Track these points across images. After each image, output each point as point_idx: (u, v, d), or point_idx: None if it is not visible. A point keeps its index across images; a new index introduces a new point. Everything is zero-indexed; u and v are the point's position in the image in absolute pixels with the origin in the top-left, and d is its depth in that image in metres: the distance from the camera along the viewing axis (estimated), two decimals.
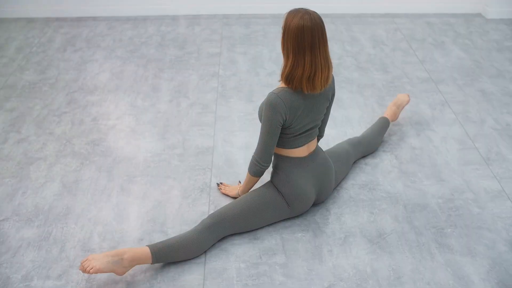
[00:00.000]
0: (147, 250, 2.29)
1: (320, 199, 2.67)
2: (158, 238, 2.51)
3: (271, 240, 2.50)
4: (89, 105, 3.59)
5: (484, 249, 2.46)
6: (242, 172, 2.92)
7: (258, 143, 2.44)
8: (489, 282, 2.30)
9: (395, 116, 3.24)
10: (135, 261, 2.26)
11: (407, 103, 3.31)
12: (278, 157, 2.55)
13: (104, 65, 4.12)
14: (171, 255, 2.33)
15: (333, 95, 2.54)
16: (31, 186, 2.85)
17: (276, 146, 2.50)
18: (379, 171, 2.95)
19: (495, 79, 3.93)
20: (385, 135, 3.25)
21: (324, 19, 5.12)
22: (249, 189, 2.62)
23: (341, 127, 3.33)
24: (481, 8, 5.08)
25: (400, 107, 3.26)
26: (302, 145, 2.51)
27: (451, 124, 3.39)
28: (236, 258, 2.41)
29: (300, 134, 2.47)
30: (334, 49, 4.38)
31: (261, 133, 2.41)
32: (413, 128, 3.34)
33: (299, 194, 2.52)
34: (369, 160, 3.03)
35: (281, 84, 2.40)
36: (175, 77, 3.94)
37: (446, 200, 2.75)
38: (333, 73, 3.99)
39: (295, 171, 2.51)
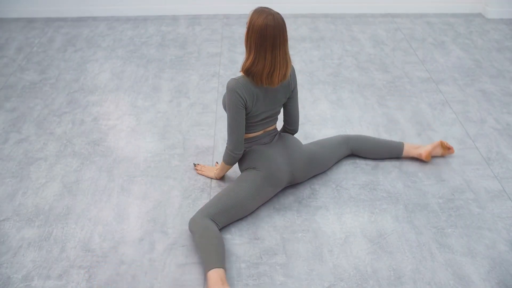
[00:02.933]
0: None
1: (298, 173, 2.74)
2: (159, 238, 2.51)
3: (272, 240, 2.50)
4: (89, 105, 3.59)
5: (485, 249, 2.46)
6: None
7: (228, 134, 2.58)
8: (489, 282, 2.30)
9: (420, 151, 2.98)
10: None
11: (443, 153, 3.04)
12: None
13: (104, 65, 4.12)
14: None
15: (295, 87, 2.68)
16: (32, 186, 2.85)
17: None
18: (380, 171, 2.95)
19: (495, 79, 3.93)
20: (385, 135, 3.25)
21: (324, 19, 5.14)
22: (224, 174, 2.84)
23: (341, 127, 3.34)
24: (481, 8, 5.08)
25: (434, 148, 3.00)
26: (259, 131, 2.67)
27: (452, 124, 3.39)
28: (237, 258, 2.41)
29: (258, 121, 2.63)
30: (334, 49, 4.38)
31: (228, 122, 2.55)
32: (414, 127, 3.34)
33: (262, 155, 2.63)
34: (369, 160, 3.03)
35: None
36: (175, 77, 3.94)
37: (447, 200, 2.75)
38: (332, 72, 4.01)
39: (254, 145, 2.68)
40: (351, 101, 3.63)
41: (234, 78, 2.50)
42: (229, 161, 2.66)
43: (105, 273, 2.33)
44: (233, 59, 4.21)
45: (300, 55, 4.28)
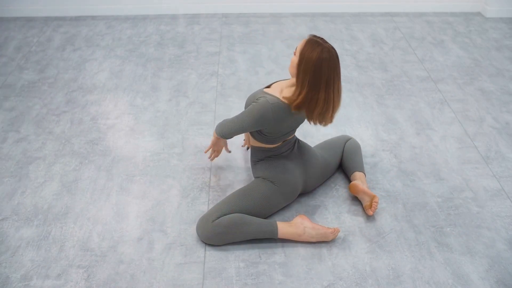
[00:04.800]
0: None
1: (310, 182, 2.70)
2: (158, 237, 2.51)
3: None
4: (88, 104, 3.59)
5: (483, 248, 2.46)
6: (241, 171, 2.92)
7: (231, 122, 2.51)
8: (488, 281, 2.30)
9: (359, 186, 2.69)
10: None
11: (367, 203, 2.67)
12: (255, 149, 2.64)
13: (103, 64, 4.12)
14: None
15: None
16: (30, 185, 2.85)
17: (256, 140, 2.60)
18: (379, 170, 2.95)
19: (494, 78, 3.93)
20: (384, 134, 3.25)
21: (323, 18, 5.15)
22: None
23: (340, 126, 3.33)
24: (480, 6, 5.08)
25: (366, 192, 2.67)
26: (278, 142, 2.59)
27: (451, 123, 3.39)
28: (236, 257, 2.41)
29: (279, 136, 2.54)
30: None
31: (239, 119, 2.48)
32: (413, 127, 3.34)
33: (282, 170, 2.56)
34: (368, 159, 3.03)
35: (283, 93, 2.44)
36: (174, 76, 3.94)
37: (446, 199, 2.75)
38: None
39: (273, 155, 2.60)
40: (350, 100, 3.63)
41: (270, 103, 2.38)
42: (219, 133, 2.60)
43: (104, 273, 2.33)
44: (232, 58, 4.21)
45: None
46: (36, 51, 4.33)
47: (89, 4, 4.97)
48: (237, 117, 2.50)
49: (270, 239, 2.50)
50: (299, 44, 2.37)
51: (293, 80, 2.43)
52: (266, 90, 2.51)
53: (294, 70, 2.38)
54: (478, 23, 4.86)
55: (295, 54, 2.38)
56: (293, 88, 2.42)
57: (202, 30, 4.71)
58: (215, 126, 2.66)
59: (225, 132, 2.58)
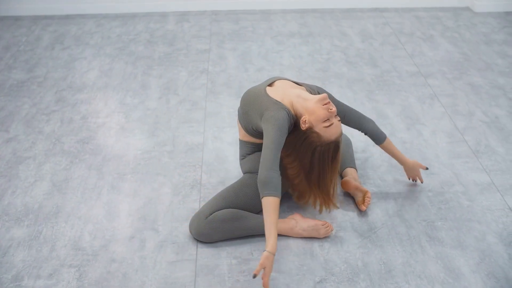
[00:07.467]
0: None
1: None
2: (149, 235, 2.50)
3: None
4: (78, 103, 3.57)
5: (474, 241, 2.48)
6: (232, 169, 2.92)
7: (266, 159, 2.24)
8: (479, 274, 2.31)
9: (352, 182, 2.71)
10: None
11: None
12: (244, 144, 2.61)
13: (92, 63, 4.10)
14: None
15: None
16: (21, 185, 2.83)
17: (249, 135, 2.56)
18: (369, 165, 2.96)
19: (483, 72, 3.95)
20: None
21: (313, 14, 5.15)
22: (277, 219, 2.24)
23: None
24: (469, 1, 5.10)
25: (358, 188, 2.70)
26: None
27: (440, 117, 3.40)
28: (228, 254, 2.41)
29: None
30: (323, 44, 4.38)
31: (268, 146, 2.26)
32: (403, 122, 3.35)
33: None
34: (359, 155, 3.04)
35: (285, 103, 2.39)
36: (164, 74, 3.93)
37: (436, 193, 2.77)
38: (321, 67, 4.01)
39: (261, 150, 2.58)
40: (340, 96, 3.63)
41: (284, 109, 2.32)
42: (266, 190, 2.22)
43: (96, 272, 2.32)
44: (222, 55, 4.20)
45: (289, 50, 4.27)
46: (24, 50, 4.31)
47: (78, 2, 4.94)
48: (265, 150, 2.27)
49: (262, 235, 2.50)
50: (332, 129, 2.31)
51: (301, 96, 2.37)
52: (269, 90, 2.44)
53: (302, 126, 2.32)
54: (466, 18, 4.88)
55: (305, 123, 2.31)
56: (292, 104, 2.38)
57: (191, 27, 4.70)
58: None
59: (271, 166, 2.24)
